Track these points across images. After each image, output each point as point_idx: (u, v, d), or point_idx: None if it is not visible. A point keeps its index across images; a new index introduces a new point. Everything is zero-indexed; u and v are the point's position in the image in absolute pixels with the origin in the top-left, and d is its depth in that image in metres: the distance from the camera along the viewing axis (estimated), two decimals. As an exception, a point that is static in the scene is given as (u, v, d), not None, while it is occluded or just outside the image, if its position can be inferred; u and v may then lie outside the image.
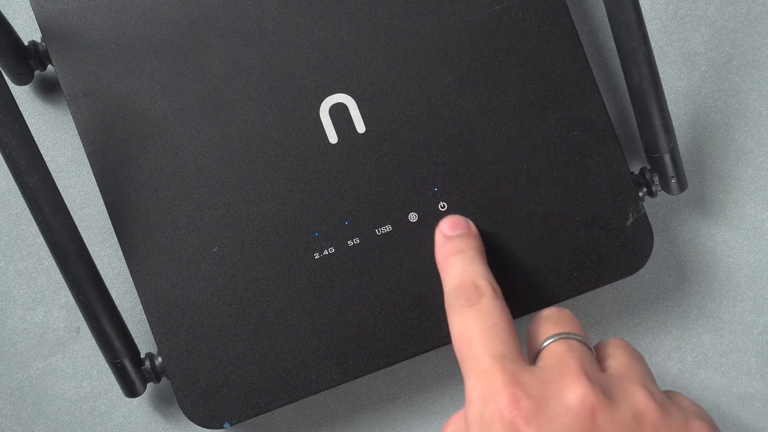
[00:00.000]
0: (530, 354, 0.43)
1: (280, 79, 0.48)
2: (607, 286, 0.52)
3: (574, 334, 0.42)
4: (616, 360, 0.43)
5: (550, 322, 0.43)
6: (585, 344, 0.42)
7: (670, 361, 0.52)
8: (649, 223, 0.48)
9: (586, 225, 0.48)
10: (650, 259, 0.51)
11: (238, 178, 0.48)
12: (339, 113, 0.48)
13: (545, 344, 0.42)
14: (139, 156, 0.48)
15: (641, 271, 0.52)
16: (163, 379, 0.50)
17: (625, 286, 0.52)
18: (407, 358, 0.47)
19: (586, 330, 0.50)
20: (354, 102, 0.48)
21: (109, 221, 0.51)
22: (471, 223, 0.47)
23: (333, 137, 0.48)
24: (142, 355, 0.49)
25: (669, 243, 0.52)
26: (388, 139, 0.48)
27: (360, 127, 0.48)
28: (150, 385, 0.51)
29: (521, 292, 0.48)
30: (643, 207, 0.48)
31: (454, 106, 0.48)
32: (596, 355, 0.43)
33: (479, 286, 0.43)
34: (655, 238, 0.51)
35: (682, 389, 0.52)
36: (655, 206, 0.53)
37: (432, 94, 0.48)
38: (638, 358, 0.43)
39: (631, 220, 0.48)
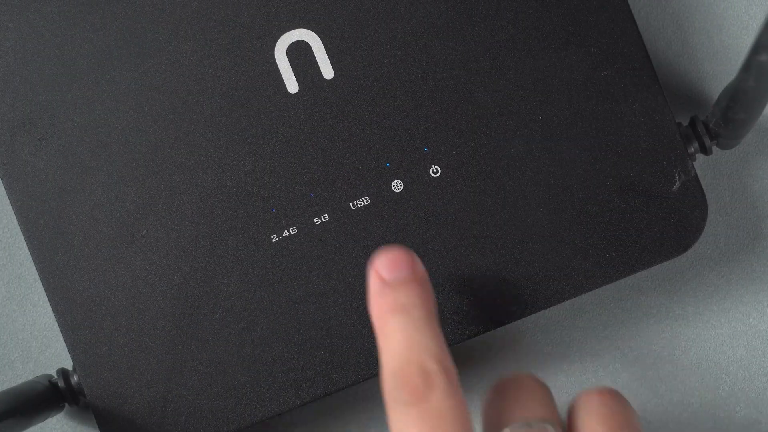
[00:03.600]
0: None
1: (223, 11, 0.48)
2: (648, 271, 0.52)
3: (536, 422, 0.42)
4: None
5: (506, 400, 0.43)
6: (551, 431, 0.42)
7: (738, 365, 0.52)
8: (701, 188, 0.48)
9: (620, 192, 0.48)
10: (703, 234, 0.50)
11: (172, 140, 0.48)
12: (300, 54, 0.48)
13: None
14: (43, 110, 0.48)
15: (692, 250, 0.51)
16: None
17: (673, 269, 0.52)
18: None
19: (619, 327, 0.51)
20: (318, 39, 0.48)
21: (7, 199, 0.50)
22: (416, 260, 0.44)
23: (293, 85, 0.48)
24: (54, 372, 0.50)
25: (726, 214, 0.53)
26: (364, 87, 0.48)
27: (327, 71, 0.48)
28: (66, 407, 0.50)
29: (537, 282, 0.48)
30: (693, 167, 0.48)
31: (448, 41, 0.48)
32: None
33: (428, 373, 0.41)
34: (709, 207, 0.51)
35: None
36: (707, 166, 0.53)
37: (419, 26, 0.48)
38: None
39: (678, 184, 0.48)
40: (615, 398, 0.43)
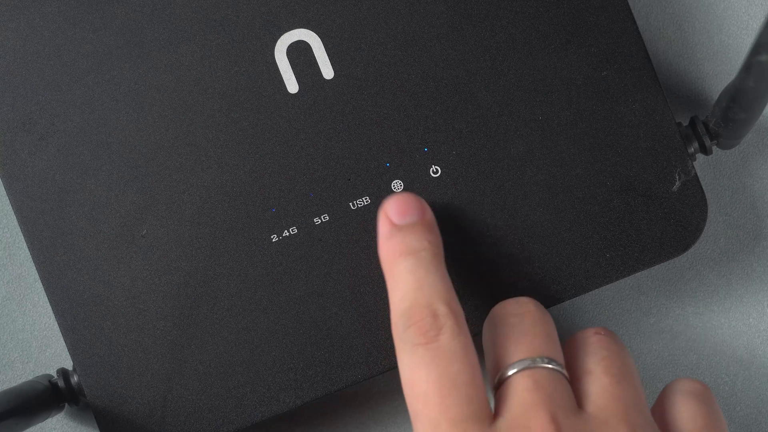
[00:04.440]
0: (491, 383, 0.43)
1: (223, 11, 0.48)
2: (648, 271, 0.52)
3: (540, 359, 0.42)
4: (596, 384, 0.43)
5: (509, 333, 0.43)
6: (555, 369, 0.42)
7: (738, 365, 0.51)
8: (701, 188, 0.48)
9: (620, 192, 0.48)
10: (703, 234, 0.51)
11: (171, 141, 0.47)
12: (300, 54, 0.48)
13: (507, 376, 0.42)
14: (44, 111, 0.47)
15: (692, 250, 0.51)
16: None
17: (673, 269, 0.52)
18: (395, 368, 0.46)
19: (622, 317, 0.51)
20: (318, 39, 0.48)
21: (7, 198, 0.50)
22: (425, 205, 0.45)
23: (293, 85, 0.48)
24: (54, 372, 0.49)
25: (726, 214, 0.53)
26: (363, 87, 0.48)
27: (327, 71, 0.48)
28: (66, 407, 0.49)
29: (536, 281, 0.47)
30: (693, 167, 0.48)
31: (448, 41, 0.48)
32: (572, 372, 0.44)
33: (437, 315, 0.42)
34: (709, 207, 0.51)
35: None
36: (707, 166, 0.53)
37: (419, 27, 0.48)
38: (622, 377, 0.43)
39: (677, 184, 0.48)
40: (611, 338, 0.44)
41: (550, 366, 0.42)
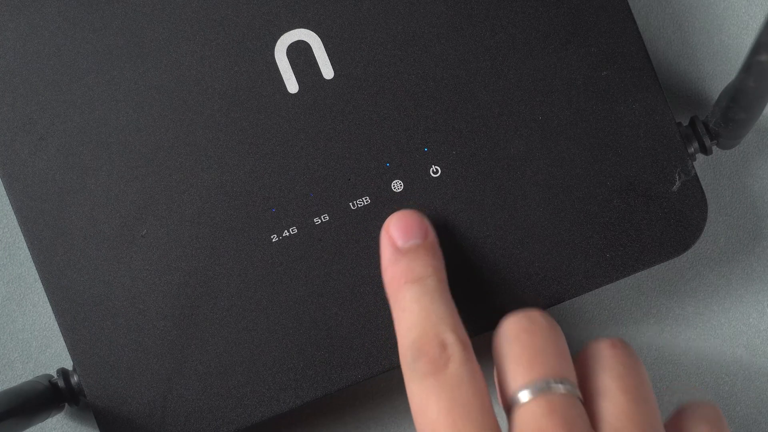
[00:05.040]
0: (503, 402, 0.43)
1: (223, 11, 0.48)
2: (648, 271, 0.51)
3: (555, 381, 0.42)
4: (612, 404, 0.42)
5: (522, 352, 0.43)
6: (570, 392, 0.42)
7: (738, 365, 0.51)
8: (701, 188, 0.48)
9: (620, 192, 0.47)
10: (703, 234, 0.51)
11: (171, 140, 0.47)
12: (300, 54, 0.48)
13: (521, 400, 0.42)
14: (43, 110, 0.47)
15: (692, 250, 0.51)
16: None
17: (673, 269, 0.52)
18: (395, 367, 0.46)
19: (620, 320, 0.50)
20: (318, 39, 0.48)
21: (7, 198, 0.49)
22: (427, 225, 0.45)
23: (292, 85, 0.48)
24: (54, 372, 0.49)
25: (726, 214, 0.52)
26: (364, 87, 0.48)
27: (327, 71, 0.48)
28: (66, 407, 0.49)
29: (536, 282, 0.47)
30: (693, 167, 0.47)
31: (448, 41, 0.48)
32: (585, 389, 0.43)
33: (445, 344, 0.42)
34: (709, 207, 0.51)
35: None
36: (707, 166, 0.52)
37: (419, 27, 0.48)
38: (639, 397, 0.42)
39: (677, 184, 0.47)
40: (627, 352, 0.43)
41: (564, 388, 0.41)
